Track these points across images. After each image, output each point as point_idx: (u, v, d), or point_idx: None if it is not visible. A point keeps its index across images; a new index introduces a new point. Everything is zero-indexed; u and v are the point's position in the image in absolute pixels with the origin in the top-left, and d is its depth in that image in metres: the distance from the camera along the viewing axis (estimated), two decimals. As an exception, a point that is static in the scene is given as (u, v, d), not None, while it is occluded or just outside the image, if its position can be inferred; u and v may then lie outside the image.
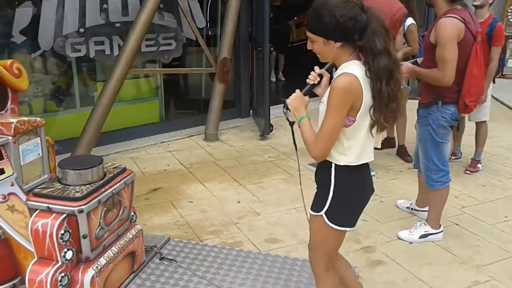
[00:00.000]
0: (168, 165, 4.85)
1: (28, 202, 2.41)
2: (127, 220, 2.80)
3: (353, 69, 1.84)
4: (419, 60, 3.37)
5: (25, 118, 2.82)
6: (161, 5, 5.22)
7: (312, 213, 2.05)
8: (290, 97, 2.06)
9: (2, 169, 2.68)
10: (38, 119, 2.91)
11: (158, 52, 5.64)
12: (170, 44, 5.70)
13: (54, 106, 5.22)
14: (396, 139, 5.20)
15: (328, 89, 1.90)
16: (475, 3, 4.27)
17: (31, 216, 2.36)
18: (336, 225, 1.99)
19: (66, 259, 2.34)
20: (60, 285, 2.31)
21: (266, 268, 2.92)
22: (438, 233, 3.42)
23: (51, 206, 2.35)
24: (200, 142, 5.59)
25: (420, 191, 3.66)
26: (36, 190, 2.47)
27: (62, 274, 2.32)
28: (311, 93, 2.09)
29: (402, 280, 2.96)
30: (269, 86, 5.65)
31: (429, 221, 3.43)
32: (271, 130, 5.68)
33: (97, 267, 2.46)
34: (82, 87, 5.39)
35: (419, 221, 3.50)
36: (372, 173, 4.49)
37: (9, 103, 2.93)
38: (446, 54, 2.94)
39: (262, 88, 5.71)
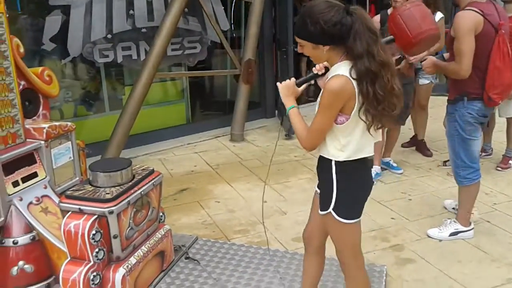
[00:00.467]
0: (195, 166, 4.91)
1: (61, 204, 2.49)
2: (156, 220, 2.86)
3: (344, 70, 1.86)
4: (446, 55, 3.33)
5: (57, 123, 2.91)
6: (186, 10, 5.30)
7: (322, 213, 2.08)
8: (283, 82, 2.09)
9: (35, 172, 2.78)
10: (69, 123, 3.00)
11: (183, 56, 5.72)
12: (195, 48, 5.77)
13: (84, 110, 5.36)
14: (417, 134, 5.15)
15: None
16: (504, -2, 4.18)
17: (63, 217, 2.44)
18: (344, 218, 2.03)
19: (98, 259, 2.40)
20: (93, 284, 2.38)
21: (293, 266, 2.93)
22: (468, 230, 3.36)
23: (82, 207, 2.42)
24: (226, 143, 5.64)
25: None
26: (68, 192, 2.56)
27: (94, 273, 2.39)
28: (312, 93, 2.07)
29: (432, 278, 2.92)
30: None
31: (459, 218, 3.37)
32: (297, 130, 5.66)
33: (127, 266, 2.52)
34: (111, 91, 5.51)
35: (449, 218, 3.45)
36: (399, 171, 4.54)
37: (41, 108, 3.03)
38: (462, 47, 2.93)
39: (287, 88, 5.71)
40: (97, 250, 2.40)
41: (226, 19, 6.05)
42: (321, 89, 2.00)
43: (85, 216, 2.40)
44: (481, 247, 3.25)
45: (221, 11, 5.94)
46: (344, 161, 1.96)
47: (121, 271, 2.48)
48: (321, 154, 2.04)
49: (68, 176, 3.01)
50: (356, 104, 1.87)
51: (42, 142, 2.80)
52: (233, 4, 6.35)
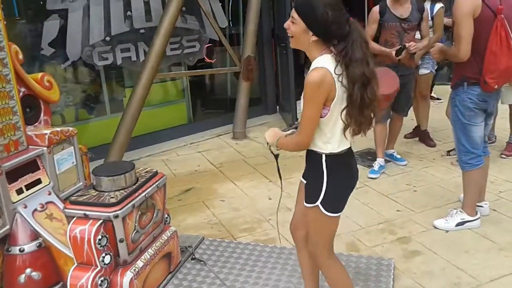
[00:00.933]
0: (199, 165, 4.91)
1: (65, 210, 2.49)
2: (162, 222, 2.86)
3: (324, 62, 1.92)
4: None
5: (58, 129, 2.91)
6: (183, 8, 5.28)
7: (308, 205, 2.12)
8: (266, 132, 2.21)
9: (39, 179, 2.77)
10: (71, 128, 3.00)
11: (182, 55, 5.70)
12: (194, 46, 5.75)
13: (85, 114, 5.36)
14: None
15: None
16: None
17: (68, 223, 2.44)
18: (330, 212, 2.09)
19: (104, 264, 2.40)
20: (101, 288, 2.38)
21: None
22: (474, 220, 3.35)
23: (87, 213, 2.42)
24: (228, 141, 5.63)
25: None
26: (73, 198, 2.55)
27: (102, 278, 2.39)
28: None
29: (441, 269, 2.91)
30: (295, 81, 5.63)
31: (464, 207, 3.36)
32: (299, 125, 5.65)
33: (135, 269, 2.52)
34: (111, 94, 5.51)
35: (455, 209, 3.43)
36: (403, 163, 4.53)
37: (42, 114, 3.02)
38: (460, 30, 2.97)
39: (288, 83, 5.71)
40: (103, 255, 2.40)
41: (224, 16, 6.03)
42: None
43: (91, 221, 2.40)
44: (488, 236, 3.24)
45: (219, 8, 5.92)
46: (334, 155, 2.03)
47: (129, 275, 2.48)
48: (310, 148, 2.08)
49: (72, 182, 3.01)
50: (336, 96, 1.92)
51: (45, 148, 2.79)
52: (231, 1, 6.32)
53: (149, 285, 2.64)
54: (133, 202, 2.52)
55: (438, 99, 6.36)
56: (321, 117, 1.96)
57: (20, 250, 2.57)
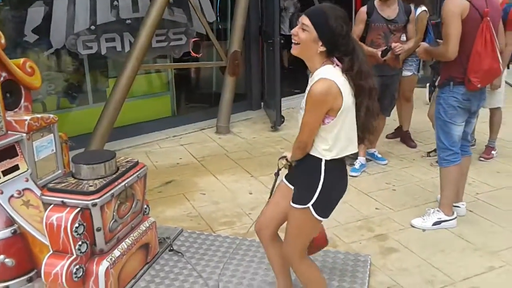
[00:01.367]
0: (181, 158, 4.89)
1: (43, 196, 2.46)
2: (140, 213, 2.85)
3: (329, 74, 1.95)
4: (440, 41, 3.40)
5: (38, 115, 2.87)
6: (171, 1, 5.25)
7: (296, 206, 2.11)
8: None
9: (17, 165, 2.74)
10: (51, 116, 2.96)
11: (168, 48, 5.66)
12: (180, 39, 5.72)
13: (67, 103, 5.29)
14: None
15: (306, 91, 2.00)
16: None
17: (45, 210, 2.41)
18: (320, 216, 2.10)
19: (80, 252, 2.38)
20: (75, 277, 2.37)
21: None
22: (451, 220, 3.40)
23: (65, 200, 2.40)
24: (212, 135, 5.62)
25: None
26: (50, 185, 2.53)
27: (77, 267, 2.37)
28: None
29: (416, 267, 2.95)
30: (280, 78, 5.64)
31: (441, 207, 3.42)
32: (283, 122, 5.68)
33: (111, 259, 2.51)
34: (95, 83, 5.45)
35: (432, 208, 3.48)
36: (384, 162, 4.57)
37: (22, 100, 2.98)
38: (448, 30, 3.04)
39: (273, 80, 5.71)
40: (80, 243, 2.37)
41: (212, 11, 6.01)
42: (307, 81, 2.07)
43: (68, 208, 2.38)
44: (463, 236, 3.29)
45: (207, 2, 5.89)
46: (332, 160, 2.04)
47: (105, 264, 2.46)
48: (310, 153, 2.08)
49: (50, 169, 2.97)
50: (343, 105, 1.95)
51: (24, 134, 2.76)
52: (219, -4, 6.32)
53: (125, 275, 2.63)
54: (112, 191, 2.50)
55: None
56: (323, 124, 1.99)
57: (-6, 236, 2.54)
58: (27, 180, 2.76)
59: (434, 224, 3.39)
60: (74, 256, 2.37)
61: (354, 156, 4.55)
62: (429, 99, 4.89)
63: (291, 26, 7.61)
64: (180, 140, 5.45)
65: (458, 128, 3.28)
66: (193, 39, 5.76)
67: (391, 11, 4.15)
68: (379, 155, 4.66)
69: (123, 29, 5.23)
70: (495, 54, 3.11)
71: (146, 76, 5.84)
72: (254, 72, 6.43)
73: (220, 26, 6.43)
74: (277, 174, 2.36)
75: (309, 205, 2.06)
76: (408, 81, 4.92)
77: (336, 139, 2.02)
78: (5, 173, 2.67)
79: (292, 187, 2.20)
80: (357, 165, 4.39)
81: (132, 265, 2.71)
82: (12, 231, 2.57)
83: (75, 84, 5.34)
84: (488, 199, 3.83)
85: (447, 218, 3.40)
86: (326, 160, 2.04)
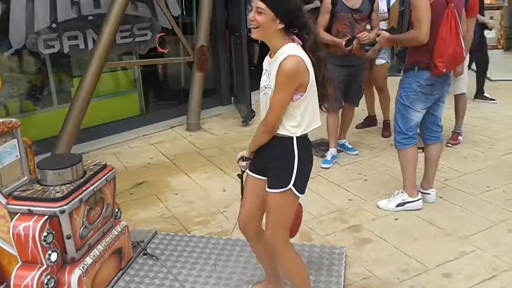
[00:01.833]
0: (151, 158, 4.82)
1: (8, 206, 2.38)
2: (112, 217, 2.78)
3: (295, 51, 2.03)
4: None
5: (0, 120, 2.75)
6: (134, -5, 5.13)
7: (276, 191, 2.14)
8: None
9: (-21, 174, 2.62)
10: (14, 120, 2.84)
11: (133, 44, 5.54)
12: (145, 35, 5.61)
13: (30, 105, 5.12)
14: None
15: (275, 70, 2.03)
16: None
17: (12, 220, 2.33)
18: (300, 193, 2.17)
19: (51, 261, 2.31)
20: None
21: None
22: (415, 201, 3.49)
23: (31, 208, 2.32)
24: (182, 132, 5.55)
25: (424, 172, 3.65)
26: (16, 193, 2.44)
27: (48, 277, 2.30)
28: None
29: (390, 256, 2.99)
30: (249, 71, 5.61)
31: (405, 188, 3.52)
32: (253, 116, 5.66)
33: (83, 267, 2.44)
34: (58, 84, 5.29)
35: (397, 190, 3.55)
36: (355, 152, 4.61)
37: (-19, 106, 2.86)
38: (419, 14, 3.08)
39: (242, 74, 5.68)
40: (49, 252, 2.30)
41: (177, 5, 5.90)
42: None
43: (35, 217, 2.30)
44: (434, 222, 3.36)
45: (172, -4, 5.79)
46: (301, 136, 2.12)
47: (77, 272, 2.39)
48: (278, 133, 2.11)
49: (15, 176, 2.85)
50: (310, 80, 2.04)
51: (-15, 141, 2.64)
52: (184, -11, 6.21)
53: (99, 282, 2.57)
54: (80, 197, 2.43)
55: (492, 99, 6.11)
56: (293, 101, 2.05)
57: (-42, 250, 2.44)
58: (-9, 189, 2.65)
59: (398, 205, 3.49)
60: (45, 266, 2.30)
61: (326, 148, 4.58)
62: None
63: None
64: (150, 139, 5.36)
65: (417, 114, 3.35)
66: (159, 34, 5.66)
67: (355, 1, 4.17)
68: (350, 146, 4.70)
69: (85, 26, 5.09)
70: (459, 40, 3.20)
71: (111, 74, 5.70)
72: (223, 67, 6.38)
73: (186, 20, 6.34)
74: (241, 176, 2.39)
75: (290, 186, 2.11)
76: (381, 69, 4.95)
77: (303, 115, 2.09)
78: (-33, 182, 2.56)
79: (261, 177, 2.23)
80: (328, 156, 4.42)
81: (106, 272, 2.64)
82: (-23, 243, 2.47)
83: (38, 85, 5.17)
84: (457, 184, 3.92)
85: (411, 199, 3.48)
86: (298, 138, 2.10)
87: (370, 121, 5.35)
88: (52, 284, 2.32)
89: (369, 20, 4.30)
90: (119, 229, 2.80)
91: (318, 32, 4.22)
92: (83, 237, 2.48)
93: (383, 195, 3.76)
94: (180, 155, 4.86)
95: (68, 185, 2.46)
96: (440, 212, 3.50)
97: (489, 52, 6.33)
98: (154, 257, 2.93)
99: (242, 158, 2.33)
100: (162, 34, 5.71)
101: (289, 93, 2.03)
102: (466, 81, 4.71)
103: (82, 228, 2.46)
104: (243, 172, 2.37)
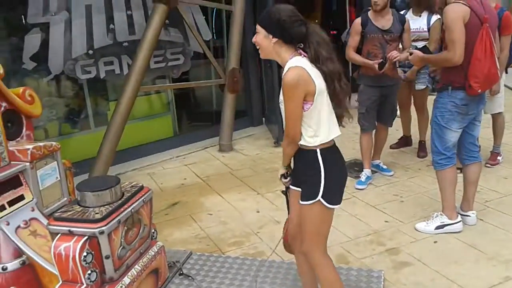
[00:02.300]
0: (185, 178, 4.86)
1: (49, 226, 2.43)
2: (148, 238, 2.81)
3: (297, 61, 2.09)
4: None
5: (41, 144, 2.84)
6: (167, 21, 5.26)
7: (306, 203, 2.20)
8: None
9: (22, 195, 2.70)
10: (54, 143, 2.94)
11: (167, 68, 5.68)
12: (178, 59, 5.73)
13: (69, 128, 5.27)
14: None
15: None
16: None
17: (53, 240, 2.38)
18: (331, 204, 2.19)
19: (90, 281, 2.34)
20: (86, 307, 2.32)
21: (290, 277, 2.90)
22: (455, 223, 3.39)
23: (72, 229, 2.36)
24: (215, 153, 5.59)
25: (464, 194, 3.57)
26: (57, 214, 2.49)
27: (88, 296, 2.33)
28: None
29: (430, 280, 2.90)
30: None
31: (444, 210, 3.43)
32: (285, 137, 5.65)
33: (121, 286, 2.47)
34: (95, 107, 5.44)
35: (436, 212, 3.47)
36: (390, 173, 4.54)
37: (24, 129, 2.96)
38: (453, 35, 3.05)
39: (273, 95, 5.70)
40: (89, 272, 2.33)
41: (208, 29, 6.03)
42: None
43: (75, 237, 2.34)
44: (476, 246, 3.25)
45: (202, 20, 5.92)
46: (326, 148, 2.16)
47: (115, 292, 2.42)
48: (301, 145, 2.17)
49: (56, 197, 2.94)
50: (316, 89, 2.08)
51: (27, 163, 2.72)
52: (214, 14, 6.33)
53: (136, 302, 2.58)
54: (118, 218, 2.46)
55: None
56: (304, 111, 2.10)
57: (3, 269, 2.49)
58: (33, 210, 2.72)
59: (437, 228, 3.39)
60: (84, 285, 2.33)
61: (360, 169, 4.53)
62: None
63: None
64: (184, 160, 5.42)
65: (453, 133, 3.29)
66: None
67: (385, 21, 4.16)
68: (384, 166, 4.63)
69: (120, 52, 5.25)
70: (494, 60, 3.15)
71: (146, 98, 5.83)
72: (254, 88, 6.44)
73: (216, 44, 6.45)
74: (285, 192, 2.44)
75: (319, 197, 2.15)
76: (421, 94, 4.91)
77: (319, 124, 2.13)
78: (11, 203, 2.63)
79: (299, 189, 2.28)
80: (363, 177, 4.36)
81: (143, 292, 2.66)
82: (21, 262, 2.53)
83: (76, 109, 5.33)
84: (498, 206, 3.79)
85: (451, 221, 3.39)
86: (320, 149, 2.14)
87: (404, 141, 5.27)
88: (92, 304, 2.35)
89: (401, 40, 4.28)
90: (156, 250, 2.82)
91: (349, 53, 4.24)
92: (121, 258, 2.50)
93: (421, 217, 3.67)
94: (213, 175, 4.89)
95: (107, 206, 2.50)
96: (481, 235, 3.39)
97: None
98: (190, 278, 2.93)
99: (283, 175, 2.35)
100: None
101: (296, 104, 2.07)
102: (502, 100, 4.60)
103: (120, 248, 2.49)
104: (287, 188, 2.41)
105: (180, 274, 2.98)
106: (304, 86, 2.06)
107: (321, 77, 2.11)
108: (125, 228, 2.53)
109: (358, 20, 4.25)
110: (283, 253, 3.26)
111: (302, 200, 2.21)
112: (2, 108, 2.75)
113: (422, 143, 5.04)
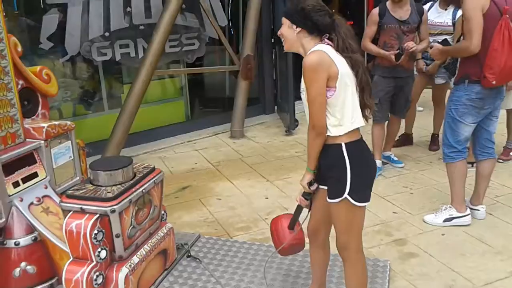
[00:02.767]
0: (196, 163, 4.90)
1: (62, 203, 2.47)
2: (158, 219, 2.85)
3: (319, 47, 2.05)
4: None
5: (56, 122, 2.89)
6: (183, 6, 5.27)
7: (333, 201, 2.14)
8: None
9: (36, 172, 2.76)
10: (68, 122, 2.98)
11: (181, 53, 5.69)
12: (193, 44, 5.75)
13: (83, 109, 5.33)
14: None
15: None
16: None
17: (65, 217, 2.42)
18: (359, 202, 2.11)
19: (100, 259, 2.39)
20: (95, 284, 2.37)
21: (296, 263, 2.92)
22: (463, 216, 3.38)
23: (84, 207, 2.40)
24: (226, 139, 5.62)
25: (475, 188, 3.55)
26: (69, 192, 2.54)
27: (97, 273, 2.38)
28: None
29: (436, 272, 2.91)
30: (293, 81, 5.62)
31: (453, 203, 3.42)
32: (297, 125, 5.66)
33: (130, 265, 2.51)
34: (109, 90, 5.49)
35: (445, 204, 3.47)
36: (400, 165, 4.52)
37: (39, 108, 3.01)
38: (470, 24, 3.02)
39: (286, 83, 5.70)
40: (99, 249, 2.38)
41: (224, 15, 6.02)
42: None
43: (87, 215, 2.38)
44: (484, 239, 3.24)
45: (219, 6, 5.91)
46: (352, 143, 2.08)
47: (124, 270, 2.46)
48: (327, 141, 2.10)
49: (68, 176, 2.99)
50: (339, 74, 2.02)
51: (42, 141, 2.77)
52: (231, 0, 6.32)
53: (144, 281, 2.63)
54: (130, 197, 2.50)
55: None
56: (328, 98, 2.04)
57: (15, 244, 2.56)
58: (46, 187, 2.78)
59: (445, 220, 3.39)
60: (94, 262, 2.38)
61: (370, 159, 4.52)
62: None
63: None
64: (195, 145, 5.46)
65: (466, 127, 3.27)
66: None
67: (403, 12, 4.12)
68: (396, 158, 4.62)
69: (136, 35, 5.27)
70: (511, 52, 3.08)
71: (159, 82, 5.87)
72: (267, 76, 6.43)
73: (232, 30, 6.45)
74: (309, 198, 2.30)
75: (345, 195, 2.08)
76: (441, 89, 4.87)
77: (343, 112, 2.06)
78: (24, 180, 2.69)
79: (324, 187, 2.22)
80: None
81: (151, 272, 2.71)
82: (33, 238, 2.59)
83: (91, 90, 5.39)
84: (508, 201, 3.77)
85: (459, 214, 3.38)
86: (346, 144, 2.07)
87: (405, 139, 5.19)
88: (101, 280, 2.40)
89: (418, 32, 4.24)
90: (165, 231, 2.86)
91: (365, 43, 4.21)
92: (131, 237, 2.55)
93: (429, 210, 3.66)
94: (224, 161, 4.92)
95: (118, 186, 2.54)
96: (490, 229, 3.38)
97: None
98: (197, 260, 2.98)
99: (310, 183, 2.21)
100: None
101: (319, 88, 2.01)
102: (519, 95, 4.54)
103: (131, 228, 2.53)
104: (313, 192, 2.27)
105: (188, 256, 3.02)
106: (326, 68, 1.99)
107: (345, 64, 2.05)
108: (136, 208, 2.57)
109: (375, 10, 4.21)
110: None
111: (329, 198, 2.15)
112: (19, 86, 2.80)
113: (435, 136, 5.01)
